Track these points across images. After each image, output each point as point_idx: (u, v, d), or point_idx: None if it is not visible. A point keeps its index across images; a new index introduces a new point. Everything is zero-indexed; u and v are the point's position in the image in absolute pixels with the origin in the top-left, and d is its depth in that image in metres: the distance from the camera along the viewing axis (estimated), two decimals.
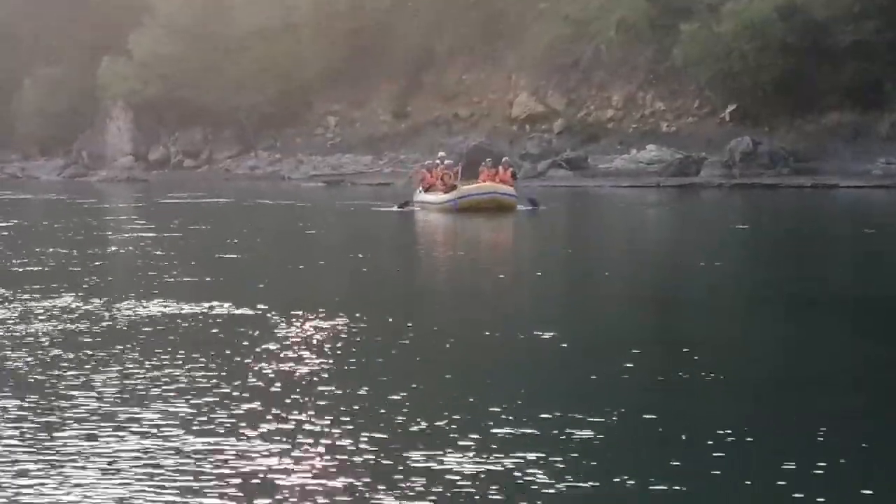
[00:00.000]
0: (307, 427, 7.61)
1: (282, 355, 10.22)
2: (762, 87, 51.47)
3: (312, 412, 8.01)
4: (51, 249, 21.30)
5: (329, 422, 7.80)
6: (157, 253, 20.71)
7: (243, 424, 7.74)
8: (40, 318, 12.41)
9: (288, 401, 8.38)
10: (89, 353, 10.33)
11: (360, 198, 45.11)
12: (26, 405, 8.36)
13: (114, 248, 22.50)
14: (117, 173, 76.96)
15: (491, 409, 8.08)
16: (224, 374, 9.44)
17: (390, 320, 12.33)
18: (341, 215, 35.84)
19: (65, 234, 26.44)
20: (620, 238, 26.61)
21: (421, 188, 35.25)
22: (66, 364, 9.86)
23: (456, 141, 60.09)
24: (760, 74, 50.88)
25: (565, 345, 10.91)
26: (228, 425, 7.76)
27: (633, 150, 56.09)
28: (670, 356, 10.55)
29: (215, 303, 13.33)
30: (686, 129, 56.68)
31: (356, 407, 8.24)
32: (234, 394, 8.71)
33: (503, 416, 7.89)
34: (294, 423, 7.75)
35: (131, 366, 9.72)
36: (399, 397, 8.51)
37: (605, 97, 61.20)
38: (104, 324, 12.06)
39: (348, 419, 7.88)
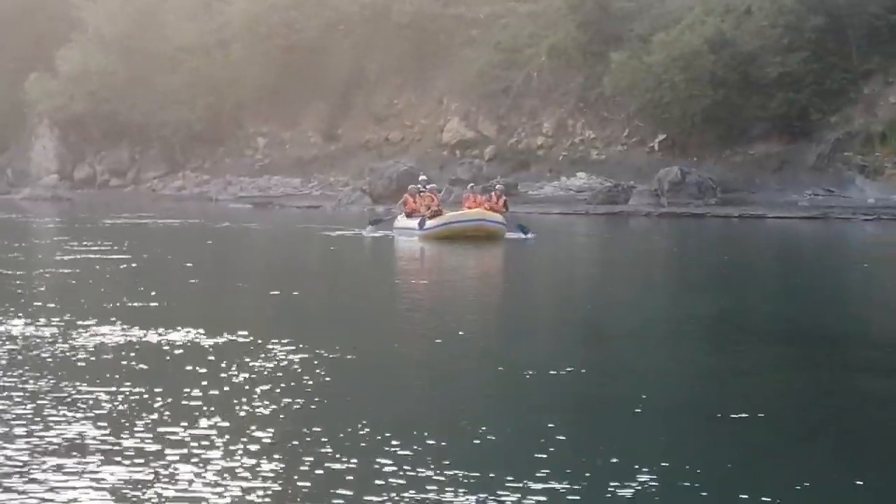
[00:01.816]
0: (295, 477, 7.36)
1: (261, 388, 9.99)
2: (691, 118, 51.87)
3: (291, 459, 7.75)
4: None
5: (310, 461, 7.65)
6: (106, 276, 20.30)
7: (214, 455, 7.67)
8: None
9: (264, 440, 8.18)
10: (47, 382, 10.10)
11: (298, 220, 44.56)
12: None
13: (60, 271, 21.82)
14: (41, 192, 75.85)
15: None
16: (189, 403, 9.32)
17: (354, 348, 12.24)
18: (296, 240, 34.72)
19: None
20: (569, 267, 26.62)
21: (403, 213, 33.67)
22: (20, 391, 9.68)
23: (386, 165, 59.86)
24: (690, 105, 51.28)
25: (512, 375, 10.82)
26: (199, 452, 7.70)
27: (562, 177, 56.28)
28: (596, 384, 10.52)
29: (188, 329, 13.13)
30: (615, 158, 56.95)
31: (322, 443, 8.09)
32: (199, 422, 8.56)
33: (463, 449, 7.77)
34: (277, 469, 7.53)
35: (92, 395, 9.53)
36: (379, 432, 8.38)
37: (535, 124, 61.34)
38: (58, 351, 11.78)
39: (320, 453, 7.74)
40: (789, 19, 50.47)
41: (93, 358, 11.39)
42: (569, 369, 11.06)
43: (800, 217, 43.34)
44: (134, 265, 23.01)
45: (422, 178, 37.94)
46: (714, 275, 23.56)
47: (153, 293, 17.14)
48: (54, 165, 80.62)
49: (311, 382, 10.22)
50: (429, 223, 31.24)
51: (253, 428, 8.39)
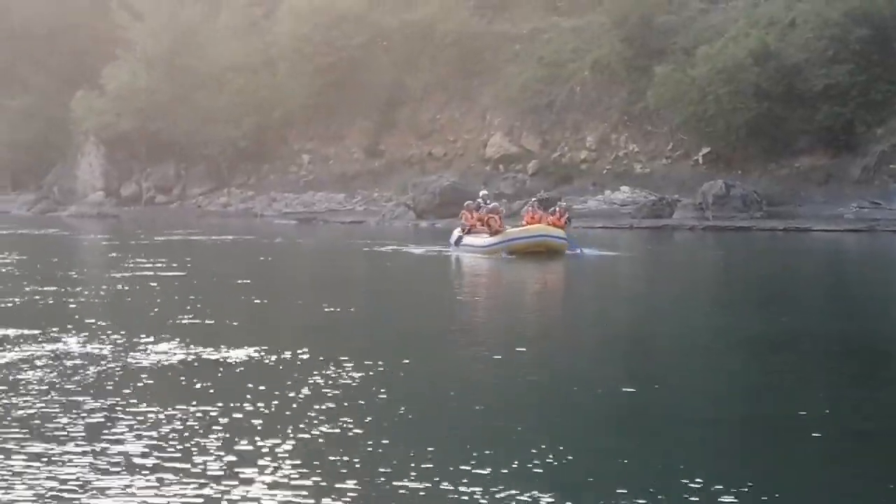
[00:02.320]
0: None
1: (322, 406, 10.09)
2: (735, 131, 51.68)
3: (349, 473, 7.84)
4: (28, 287, 21.07)
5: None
6: (165, 293, 20.37)
7: (270, 481, 7.72)
8: (35, 362, 12.23)
9: (327, 457, 8.27)
10: (107, 400, 10.23)
11: (350, 236, 44.43)
12: (29, 449, 8.30)
13: (117, 288, 21.82)
14: (87, 209, 76.36)
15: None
16: (255, 422, 9.42)
17: (406, 363, 12.30)
18: (361, 257, 33.85)
19: (52, 271, 26.16)
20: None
21: (462, 230, 33.29)
22: (78, 409, 9.80)
23: (429, 180, 59.97)
24: (734, 118, 51.11)
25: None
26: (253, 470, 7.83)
27: (606, 191, 56.20)
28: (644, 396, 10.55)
29: (248, 347, 13.24)
30: (659, 171, 56.82)
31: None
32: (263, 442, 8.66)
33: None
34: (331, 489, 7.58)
35: (151, 412, 9.68)
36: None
37: (578, 138, 61.31)
38: (119, 368, 11.90)
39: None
40: (834, 31, 50.23)
41: (153, 376, 11.53)
42: (626, 384, 11.10)
43: (846, 230, 43.09)
44: (194, 282, 23.14)
45: (483, 192, 37.03)
46: (767, 288, 23.49)
47: (210, 310, 17.28)
48: (100, 182, 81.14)
49: (372, 400, 10.31)
50: (491, 239, 30.89)
51: (312, 447, 8.49)
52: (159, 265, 27.13)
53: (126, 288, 21.29)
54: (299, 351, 12.88)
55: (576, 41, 63.23)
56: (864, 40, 49.80)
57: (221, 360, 12.41)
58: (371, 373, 11.59)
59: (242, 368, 11.93)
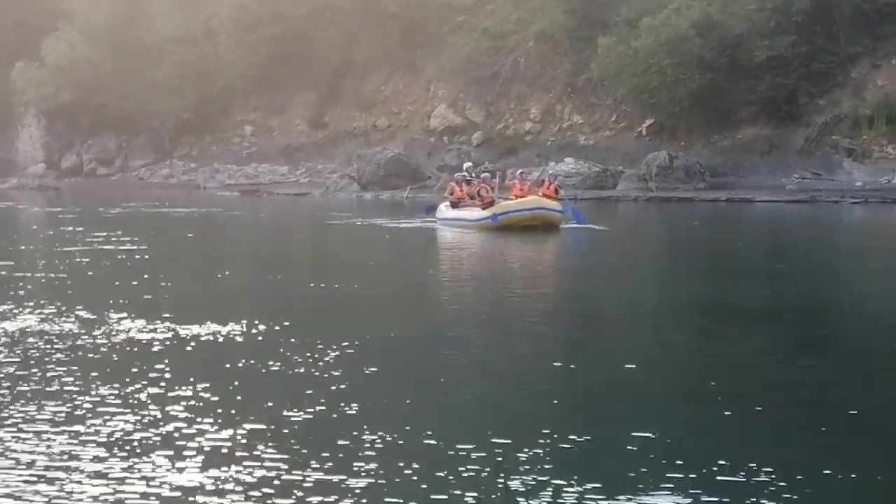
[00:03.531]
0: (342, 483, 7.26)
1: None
2: (679, 102, 51.81)
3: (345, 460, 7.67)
4: None
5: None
6: (136, 268, 19.83)
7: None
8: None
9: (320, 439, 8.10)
10: (77, 379, 10.04)
11: (316, 210, 43.57)
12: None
13: (74, 263, 21.26)
14: (28, 181, 75.49)
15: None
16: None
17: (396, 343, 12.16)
18: (337, 232, 31.83)
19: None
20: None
21: (447, 203, 31.70)
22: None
23: (374, 151, 59.73)
24: (677, 89, 51.21)
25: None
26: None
27: (551, 162, 56.17)
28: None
29: (257, 324, 12.96)
30: (603, 143, 56.92)
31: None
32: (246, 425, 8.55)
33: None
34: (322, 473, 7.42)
35: (120, 392, 9.50)
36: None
37: (523, 110, 61.30)
38: (82, 347, 11.67)
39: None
40: (776, 2, 50.37)
41: (119, 354, 11.35)
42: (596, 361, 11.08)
43: (788, 201, 43.32)
44: (166, 256, 22.80)
45: (467, 164, 35.96)
46: (707, 259, 23.61)
47: (188, 286, 17.11)
48: (41, 154, 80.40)
49: (361, 379, 10.14)
50: (483, 213, 29.29)
51: (297, 427, 8.33)
52: (114, 239, 26.47)
53: (81, 263, 20.87)
54: (298, 327, 12.75)
55: (519, 12, 63.05)
56: (805, 11, 50.00)
57: (208, 336, 12.21)
58: (371, 352, 11.41)
59: (240, 345, 11.73)
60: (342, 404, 8.83)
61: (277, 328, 12.66)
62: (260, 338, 12.07)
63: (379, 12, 67.81)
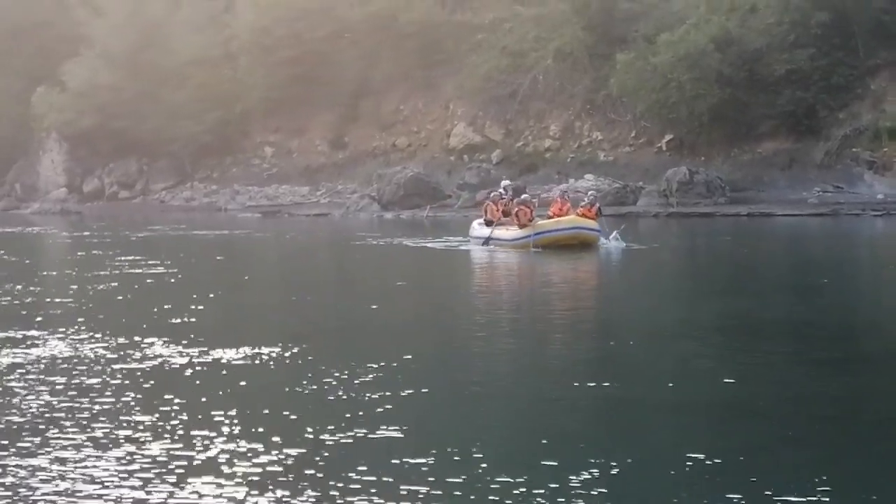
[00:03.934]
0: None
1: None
2: (698, 117, 51.75)
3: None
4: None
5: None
6: (165, 294, 19.52)
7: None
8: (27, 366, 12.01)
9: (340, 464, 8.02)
10: (107, 403, 10.00)
11: (342, 231, 43.36)
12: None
13: (102, 287, 20.91)
14: (50, 206, 75.82)
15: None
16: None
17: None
18: (371, 252, 31.28)
19: (29, 271, 25.64)
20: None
21: (482, 221, 31.37)
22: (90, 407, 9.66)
23: (393, 171, 59.78)
24: (696, 104, 51.17)
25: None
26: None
27: (570, 179, 56.13)
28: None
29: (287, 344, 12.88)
30: (623, 159, 56.88)
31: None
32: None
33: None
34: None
35: (153, 414, 9.46)
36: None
37: (542, 127, 61.33)
38: (111, 371, 11.60)
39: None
40: (794, 16, 50.36)
41: (152, 378, 11.27)
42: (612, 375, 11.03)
43: (809, 214, 43.20)
44: (195, 280, 22.53)
45: (505, 182, 35.06)
46: (739, 274, 23.49)
47: (218, 309, 16.99)
48: (63, 179, 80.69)
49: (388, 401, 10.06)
50: (520, 232, 28.99)
51: (332, 451, 8.28)
52: (142, 263, 26.17)
53: (111, 287, 20.58)
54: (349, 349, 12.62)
55: (537, 30, 63.17)
56: (824, 24, 49.97)
57: (242, 360, 12.08)
58: (409, 373, 11.34)
59: (273, 369, 11.61)
60: (380, 427, 8.72)
61: (310, 350, 12.53)
62: (293, 361, 11.95)
63: (397, 32, 68.04)
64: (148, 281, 21.58)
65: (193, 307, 16.84)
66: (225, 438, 8.52)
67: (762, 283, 21.06)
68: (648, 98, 52.98)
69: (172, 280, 22.13)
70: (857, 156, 48.65)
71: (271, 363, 11.82)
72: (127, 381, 10.94)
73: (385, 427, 8.70)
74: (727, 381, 10.57)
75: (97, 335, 13.90)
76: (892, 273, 23.23)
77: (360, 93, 70.26)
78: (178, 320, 15.30)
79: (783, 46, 50.61)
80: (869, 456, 7.82)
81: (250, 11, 72.82)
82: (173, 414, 9.38)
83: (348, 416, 9.08)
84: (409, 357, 12.05)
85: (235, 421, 9.05)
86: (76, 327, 14.64)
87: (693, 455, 7.68)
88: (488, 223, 30.82)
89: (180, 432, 8.72)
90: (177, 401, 9.87)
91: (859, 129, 49.19)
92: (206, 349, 12.54)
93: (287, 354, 12.25)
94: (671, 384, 10.50)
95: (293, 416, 9.25)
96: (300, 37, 70.29)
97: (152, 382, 10.88)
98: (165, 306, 16.85)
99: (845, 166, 48.77)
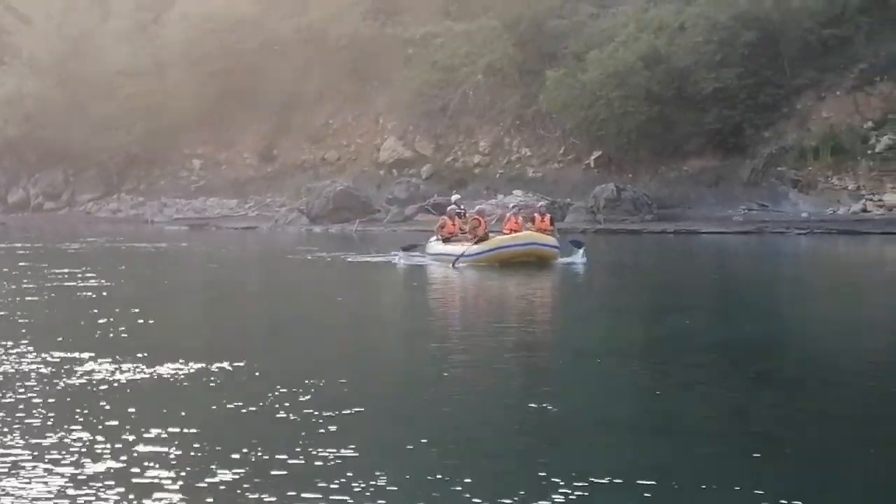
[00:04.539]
0: None
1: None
2: (626, 135, 52.07)
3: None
4: None
5: None
6: (109, 307, 18.66)
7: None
8: None
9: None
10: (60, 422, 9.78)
11: (275, 244, 43.23)
12: None
13: (34, 300, 20.29)
14: None
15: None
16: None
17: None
18: (316, 266, 30.26)
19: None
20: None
21: (439, 237, 30.33)
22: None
23: (323, 185, 59.65)
24: (625, 121, 51.49)
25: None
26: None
27: (499, 194, 56.28)
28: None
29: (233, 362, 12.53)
30: (552, 175, 57.10)
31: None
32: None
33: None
34: None
35: (100, 433, 9.17)
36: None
37: (472, 142, 61.44)
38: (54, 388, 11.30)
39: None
40: (723, 35, 50.80)
41: (97, 395, 11.07)
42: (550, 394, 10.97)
43: (735, 232, 43.54)
44: (132, 293, 22.05)
45: (455, 197, 34.61)
46: (665, 292, 23.55)
47: (158, 322, 16.63)
48: None
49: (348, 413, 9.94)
50: (475, 248, 27.93)
51: (278, 469, 8.11)
52: (75, 275, 25.53)
53: (40, 300, 19.99)
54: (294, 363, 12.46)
55: (469, 45, 63.39)
56: (752, 44, 50.50)
57: (193, 375, 11.82)
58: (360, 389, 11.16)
59: (216, 385, 11.30)
60: (330, 446, 8.56)
61: (250, 366, 12.34)
62: (231, 377, 11.73)
63: (328, 46, 68.04)
64: (78, 294, 21.21)
65: (128, 322, 16.54)
66: (162, 458, 8.33)
67: (688, 300, 21.13)
68: (577, 115, 53.23)
69: (104, 293, 21.73)
70: (783, 174, 49.13)
71: (209, 379, 11.60)
72: (62, 398, 10.64)
73: (335, 446, 8.54)
74: (654, 397, 10.60)
75: (29, 349, 13.57)
76: (814, 290, 23.43)
77: (289, 106, 70.09)
78: (113, 335, 15.02)
79: (711, 65, 51.05)
80: (797, 472, 7.85)
81: (180, 23, 72.45)
82: (110, 432, 9.11)
83: (288, 434, 8.95)
84: (343, 379, 11.92)
85: (175, 441, 8.87)
86: (4, 342, 14.34)
87: (620, 470, 7.66)
88: (445, 240, 29.92)
89: (111, 452, 8.46)
90: (113, 418, 9.62)
91: (785, 148, 49.71)
92: (141, 365, 12.28)
93: (227, 369, 12.04)
94: (595, 402, 10.47)
95: (232, 435, 9.05)
96: (230, 49, 69.98)
97: (86, 399, 10.59)
98: (99, 320, 16.54)
99: (771, 185, 49.24)
